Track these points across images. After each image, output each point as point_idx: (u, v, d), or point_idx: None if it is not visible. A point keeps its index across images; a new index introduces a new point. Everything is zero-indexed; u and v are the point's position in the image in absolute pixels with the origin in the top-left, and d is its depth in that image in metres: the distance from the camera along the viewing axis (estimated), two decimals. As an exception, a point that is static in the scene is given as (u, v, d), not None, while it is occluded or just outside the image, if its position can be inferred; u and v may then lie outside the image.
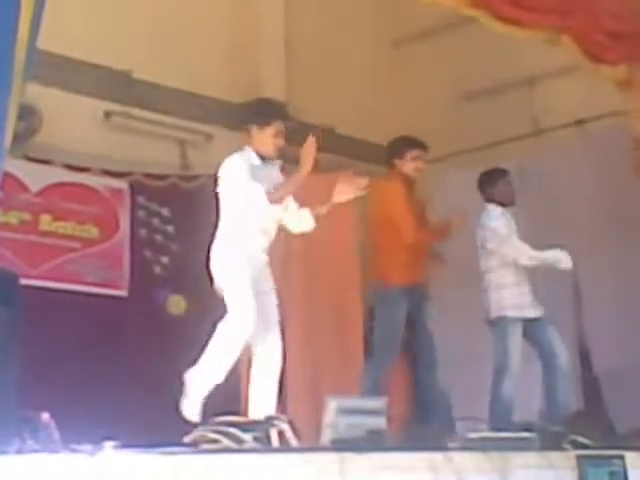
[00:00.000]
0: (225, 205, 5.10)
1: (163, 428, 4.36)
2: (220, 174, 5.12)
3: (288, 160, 8.55)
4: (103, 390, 6.53)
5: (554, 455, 3.92)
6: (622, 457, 4.01)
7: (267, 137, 5.18)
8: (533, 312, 6.22)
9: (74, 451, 3.01)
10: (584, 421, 5.86)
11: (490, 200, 6.36)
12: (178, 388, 7.33)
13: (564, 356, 6.10)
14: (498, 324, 6.16)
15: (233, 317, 4.85)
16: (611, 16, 6.21)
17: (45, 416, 3.36)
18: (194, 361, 5.36)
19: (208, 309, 7.38)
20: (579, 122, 8.13)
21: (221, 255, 5.05)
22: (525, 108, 8.54)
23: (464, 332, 7.42)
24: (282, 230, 5.36)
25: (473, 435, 4.17)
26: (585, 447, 4.25)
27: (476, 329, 6.60)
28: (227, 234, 5.08)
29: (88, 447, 3.01)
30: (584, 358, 7.70)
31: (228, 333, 4.83)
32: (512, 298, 6.17)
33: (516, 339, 6.13)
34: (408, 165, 6.23)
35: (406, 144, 6.31)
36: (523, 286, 6.23)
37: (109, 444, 3.07)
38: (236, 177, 5.03)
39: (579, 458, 3.89)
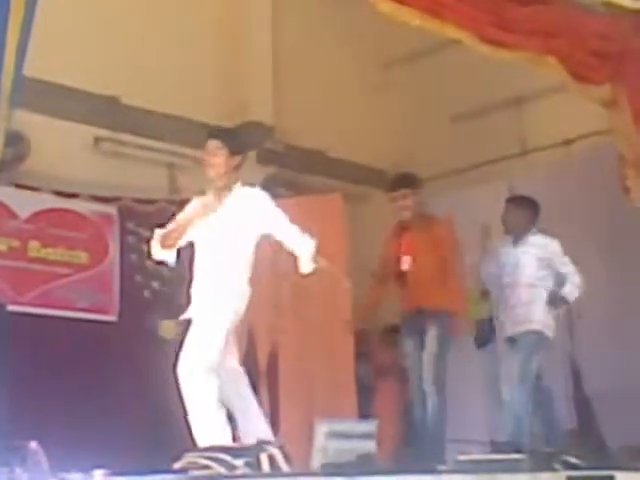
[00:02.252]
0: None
1: (153, 455, 4.36)
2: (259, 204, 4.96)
3: (278, 184, 8.64)
4: (93, 417, 6.50)
5: (545, 476, 3.91)
6: (612, 477, 4.00)
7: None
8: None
9: (63, 479, 2.99)
10: (576, 440, 5.87)
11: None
12: (168, 414, 7.35)
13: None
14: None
15: (208, 347, 4.66)
16: (597, 36, 6.24)
17: (33, 445, 3.34)
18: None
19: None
20: (567, 142, 8.17)
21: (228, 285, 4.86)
22: (513, 128, 8.58)
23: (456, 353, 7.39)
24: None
25: (463, 457, 4.16)
26: (575, 467, 4.23)
27: (468, 350, 6.58)
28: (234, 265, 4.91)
29: (77, 475, 2.99)
30: (576, 378, 7.69)
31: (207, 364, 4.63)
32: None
33: None
34: (396, 206, 6.24)
35: (389, 187, 6.34)
36: None
37: (99, 472, 3.05)
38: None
39: (569, 479, 3.88)
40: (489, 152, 8.53)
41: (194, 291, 4.93)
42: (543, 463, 4.05)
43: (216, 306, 4.74)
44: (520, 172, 8.31)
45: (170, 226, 5.00)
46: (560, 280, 6.20)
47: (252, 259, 4.95)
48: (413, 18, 5.57)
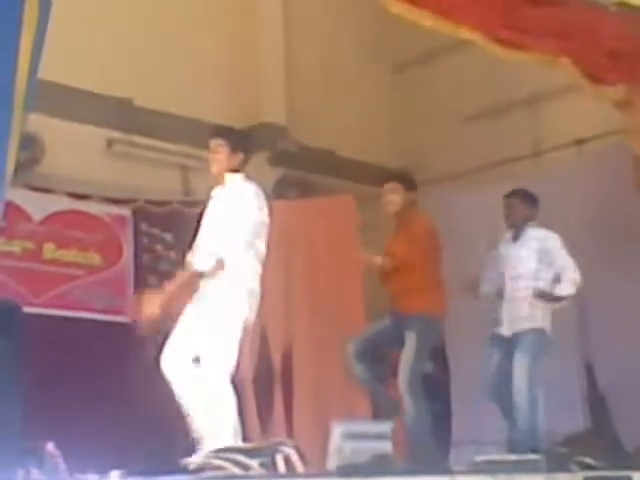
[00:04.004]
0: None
1: (169, 455, 4.37)
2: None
3: (290, 185, 8.65)
4: (109, 418, 6.52)
5: (561, 477, 3.90)
6: (629, 478, 3.98)
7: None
8: None
9: (79, 481, 3.00)
10: (591, 440, 5.83)
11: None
12: (182, 414, 7.35)
13: None
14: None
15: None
16: (611, 37, 6.20)
17: (50, 446, 3.35)
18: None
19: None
20: (579, 142, 8.14)
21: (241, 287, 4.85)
22: (526, 129, 8.56)
23: (470, 352, 7.37)
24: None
25: (480, 458, 4.15)
26: (591, 468, 4.22)
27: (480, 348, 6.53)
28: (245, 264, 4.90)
29: (94, 477, 3.00)
30: (590, 376, 7.67)
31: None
32: None
33: None
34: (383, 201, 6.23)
35: (384, 179, 6.32)
36: None
37: (115, 473, 3.06)
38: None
39: (586, 479, 3.87)
40: (501, 153, 8.51)
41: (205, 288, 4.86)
42: (559, 464, 4.04)
43: (228, 309, 4.73)
44: (532, 173, 8.30)
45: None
46: (557, 275, 6.14)
47: (258, 254, 4.90)
48: (425, 19, 5.55)
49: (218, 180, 5.11)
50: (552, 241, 6.21)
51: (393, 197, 6.11)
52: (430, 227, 6.14)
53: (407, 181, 6.26)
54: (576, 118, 7.98)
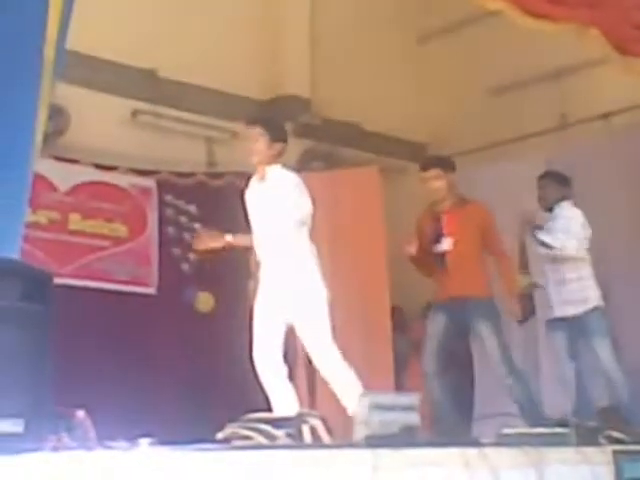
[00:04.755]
0: None
1: (195, 424, 4.39)
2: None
3: (314, 157, 8.62)
4: (135, 387, 6.56)
5: (590, 450, 3.88)
6: (658, 452, 3.97)
7: None
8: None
9: (110, 448, 3.02)
10: (615, 417, 5.83)
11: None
12: (207, 384, 7.39)
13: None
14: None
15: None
16: (640, 8, 6.15)
17: (80, 413, 3.37)
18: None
19: (236, 306, 7.46)
20: (606, 115, 8.07)
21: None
22: (552, 102, 8.48)
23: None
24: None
25: (508, 431, 4.14)
26: (620, 442, 4.20)
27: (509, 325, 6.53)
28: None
29: (124, 444, 3.01)
30: (616, 354, 7.62)
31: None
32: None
33: None
34: (428, 188, 6.19)
35: (423, 165, 6.29)
36: None
37: (144, 441, 3.07)
38: None
39: (615, 453, 3.85)
40: (527, 126, 8.45)
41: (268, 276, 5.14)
42: (588, 438, 4.03)
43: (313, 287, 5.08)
44: (558, 146, 8.23)
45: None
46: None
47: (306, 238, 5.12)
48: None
49: (250, 162, 5.17)
50: (573, 215, 6.20)
51: (436, 183, 6.11)
52: (486, 208, 6.15)
53: (447, 164, 6.23)
54: (603, 91, 7.90)
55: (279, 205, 4.98)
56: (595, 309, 6.17)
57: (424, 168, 6.21)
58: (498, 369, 5.94)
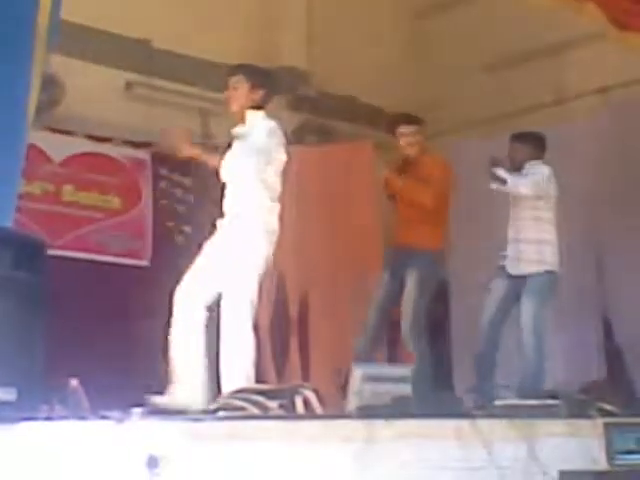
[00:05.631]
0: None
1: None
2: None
3: (309, 130, 8.59)
4: (128, 358, 6.57)
5: (581, 423, 3.91)
6: (649, 425, 4.00)
7: None
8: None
9: (102, 417, 3.03)
10: (607, 389, 5.85)
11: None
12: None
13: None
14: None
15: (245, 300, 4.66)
16: (637, -19, 6.12)
17: (74, 383, 3.38)
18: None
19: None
20: (603, 90, 8.04)
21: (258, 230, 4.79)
22: (549, 77, 8.44)
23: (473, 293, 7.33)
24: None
25: (499, 402, 4.17)
26: (611, 415, 4.23)
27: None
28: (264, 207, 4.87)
29: (116, 413, 3.02)
30: (607, 327, 7.66)
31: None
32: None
33: None
34: (400, 143, 6.21)
35: (394, 121, 6.32)
36: None
37: (137, 410, 3.09)
38: None
39: (606, 425, 3.88)
40: (523, 101, 8.41)
41: (223, 229, 4.88)
42: (579, 410, 4.06)
43: (246, 251, 4.68)
44: (555, 122, 8.21)
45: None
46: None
47: (269, 187, 4.84)
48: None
49: (237, 119, 5.01)
50: (540, 169, 6.14)
51: (412, 139, 6.12)
52: (444, 166, 6.21)
53: (417, 121, 6.26)
54: (600, 66, 7.87)
55: (244, 150, 4.79)
56: (547, 273, 6.01)
57: (399, 123, 6.25)
58: (404, 324, 5.89)
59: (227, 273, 4.69)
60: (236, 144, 4.95)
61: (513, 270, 6.06)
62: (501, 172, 5.98)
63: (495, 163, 6.03)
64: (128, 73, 7.65)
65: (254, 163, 4.75)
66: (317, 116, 8.71)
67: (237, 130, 5.00)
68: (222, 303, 4.68)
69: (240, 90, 4.95)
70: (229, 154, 4.96)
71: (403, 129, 6.23)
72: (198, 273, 4.79)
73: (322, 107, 8.72)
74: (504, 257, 6.12)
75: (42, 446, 2.74)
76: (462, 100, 8.85)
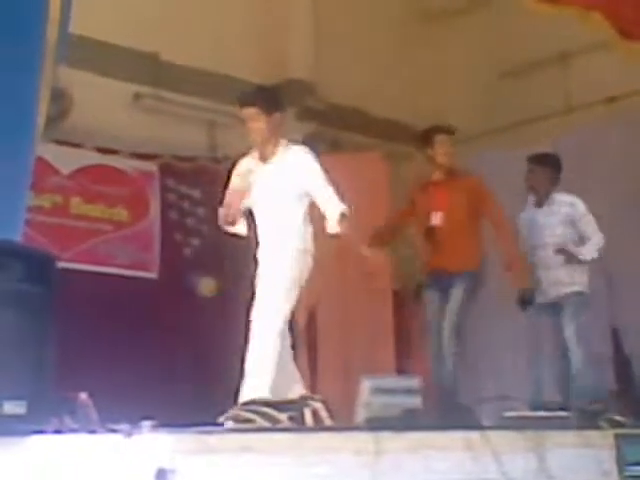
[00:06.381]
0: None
1: (198, 408, 4.39)
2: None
3: (317, 142, 8.59)
4: (137, 371, 6.56)
5: (591, 434, 3.89)
6: (659, 435, 3.98)
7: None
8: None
9: (112, 431, 3.03)
10: (616, 401, 5.85)
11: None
12: (209, 369, 7.40)
13: None
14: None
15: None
16: (644, -8, 6.13)
17: (83, 396, 3.38)
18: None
19: (238, 291, 7.45)
20: (612, 99, 8.04)
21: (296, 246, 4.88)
22: (556, 86, 8.45)
23: (497, 314, 7.38)
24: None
25: (510, 414, 4.15)
26: (621, 425, 4.21)
27: (509, 310, 6.53)
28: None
29: (125, 427, 3.02)
30: (615, 338, 7.64)
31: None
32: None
33: None
34: (437, 152, 6.16)
35: (430, 132, 6.26)
36: None
37: (146, 424, 3.08)
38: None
39: (617, 436, 3.86)
40: (531, 111, 8.42)
41: (261, 254, 4.95)
42: (589, 421, 4.05)
43: (283, 268, 4.76)
44: (564, 131, 8.21)
45: (225, 203, 4.92)
46: (581, 238, 6.13)
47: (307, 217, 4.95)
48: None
49: (254, 143, 5.00)
50: (578, 206, 6.19)
51: (449, 149, 6.11)
52: (477, 180, 6.16)
53: (452, 131, 6.26)
54: (607, 75, 7.86)
55: (296, 182, 4.84)
56: (578, 293, 6.13)
57: (435, 133, 6.20)
58: (442, 337, 5.89)
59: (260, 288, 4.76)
60: (273, 178, 4.91)
61: (545, 297, 6.15)
62: (570, 249, 6.06)
63: (559, 250, 6.08)
64: (136, 85, 7.66)
65: (302, 205, 4.87)
66: (325, 127, 8.72)
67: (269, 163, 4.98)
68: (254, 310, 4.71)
69: (259, 122, 4.92)
70: (265, 184, 4.91)
71: (440, 138, 6.16)
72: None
73: (330, 119, 8.72)
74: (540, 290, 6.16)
75: (52, 459, 2.74)
76: (472, 109, 8.86)
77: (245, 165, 5.02)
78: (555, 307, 6.15)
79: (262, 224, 4.96)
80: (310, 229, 4.93)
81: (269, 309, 4.63)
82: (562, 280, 6.12)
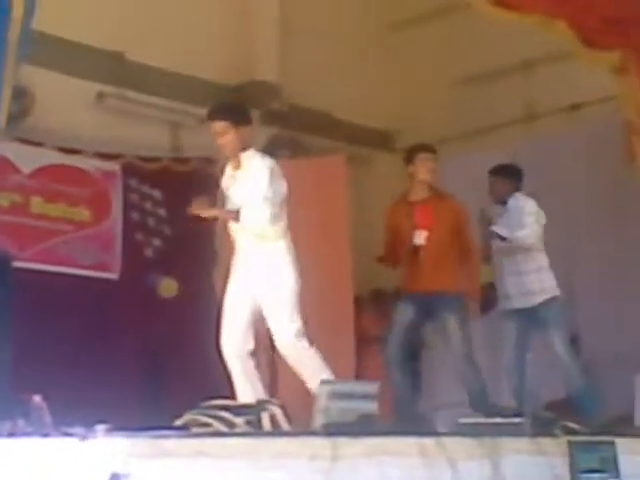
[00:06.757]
0: None
1: (154, 411, 4.38)
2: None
3: (281, 145, 8.59)
4: (94, 373, 6.52)
5: (545, 441, 3.92)
6: (613, 443, 4.01)
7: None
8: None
9: (66, 434, 3.00)
10: (572, 407, 5.91)
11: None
12: (169, 371, 7.38)
13: None
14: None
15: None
16: (607, 1, 6.17)
17: (37, 398, 3.35)
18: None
19: (199, 292, 7.44)
20: (574, 107, 8.11)
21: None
22: (519, 94, 8.52)
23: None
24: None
25: (464, 420, 4.17)
26: (575, 433, 4.25)
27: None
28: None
29: (80, 430, 3.00)
30: (574, 345, 7.69)
31: None
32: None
33: None
34: (419, 170, 6.17)
35: (413, 150, 6.28)
36: None
37: (101, 427, 3.06)
38: None
39: (570, 444, 3.89)
40: (494, 117, 8.47)
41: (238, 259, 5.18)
42: (543, 428, 4.08)
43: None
44: (527, 138, 8.27)
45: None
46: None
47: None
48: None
49: (223, 155, 5.26)
50: (527, 203, 6.24)
51: (433, 165, 6.16)
52: (461, 205, 6.21)
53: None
54: (570, 83, 7.93)
55: (255, 191, 5.00)
56: (552, 299, 6.18)
57: (421, 150, 6.23)
58: (460, 362, 6.01)
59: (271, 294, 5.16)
60: (241, 189, 5.12)
61: (519, 304, 6.18)
62: (498, 229, 6.09)
63: (489, 221, 6.11)
64: (100, 84, 7.61)
65: (269, 213, 5.01)
66: (288, 130, 8.72)
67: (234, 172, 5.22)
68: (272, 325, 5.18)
69: (228, 135, 5.10)
70: (234, 197, 5.15)
71: (423, 155, 6.18)
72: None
73: (294, 121, 8.73)
74: (506, 297, 6.22)
75: (4, 463, 2.72)
76: (435, 115, 8.89)
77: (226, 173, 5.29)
78: (521, 313, 6.18)
79: (240, 233, 5.17)
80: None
81: (289, 317, 5.11)
82: (533, 289, 6.16)
